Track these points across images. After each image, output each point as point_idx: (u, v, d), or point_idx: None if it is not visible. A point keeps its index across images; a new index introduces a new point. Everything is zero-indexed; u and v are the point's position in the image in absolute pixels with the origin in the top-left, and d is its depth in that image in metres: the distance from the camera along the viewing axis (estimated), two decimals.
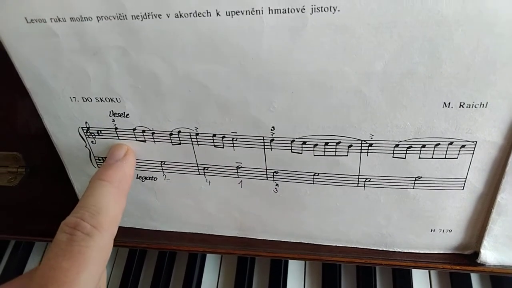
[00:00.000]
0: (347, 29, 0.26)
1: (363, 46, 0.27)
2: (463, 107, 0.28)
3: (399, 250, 0.37)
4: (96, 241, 0.27)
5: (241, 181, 0.36)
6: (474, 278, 0.44)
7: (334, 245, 0.38)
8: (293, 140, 0.32)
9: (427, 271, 0.44)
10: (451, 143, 0.30)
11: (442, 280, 0.44)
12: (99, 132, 0.35)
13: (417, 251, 0.37)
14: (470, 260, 0.36)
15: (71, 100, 0.33)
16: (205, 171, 0.36)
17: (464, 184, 0.32)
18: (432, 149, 0.30)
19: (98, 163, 0.37)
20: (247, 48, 0.28)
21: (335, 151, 0.32)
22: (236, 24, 0.27)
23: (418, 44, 0.26)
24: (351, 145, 0.31)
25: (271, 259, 0.48)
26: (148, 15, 0.28)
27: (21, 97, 0.34)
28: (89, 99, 0.33)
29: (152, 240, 0.41)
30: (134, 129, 0.34)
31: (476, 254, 0.35)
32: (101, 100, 0.33)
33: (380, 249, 0.38)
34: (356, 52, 0.27)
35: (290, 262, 0.48)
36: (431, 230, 0.35)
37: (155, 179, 0.38)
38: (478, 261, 0.35)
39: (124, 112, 0.33)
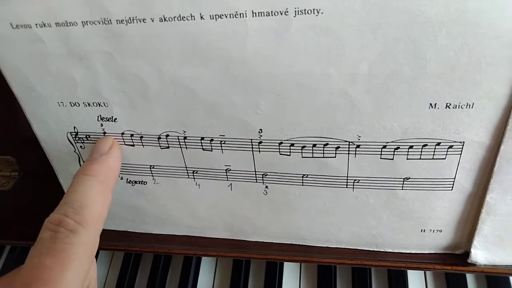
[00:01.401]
0: (330, 31, 0.26)
1: (347, 48, 0.27)
2: (449, 107, 0.28)
3: (390, 251, 0.37)
4: (81, 237, 0.27)
5: (231, 184, 0.36)
6: (470, 279, 0.43)
7: (325, 246, 0.38)
8: (281, 142, 0.32)
9: (422, 272, 0.44)
10: (438, 143, 0.30)
11: (437, 280, 0.44)
12: (87, 137, 0.35)
13: (408, 251, 0.37)
14: (461, 260, 0.36)
15: (59, 105, 0.33)
16: (194, 174, 0.36)
17: (453, 184, 0.32)
18: (420, 150, 0.30)
19: None
20: (232, 51, 0.28)
21: (323, 153, 0.32)
22: (220, 28, 0.27)
23: (402, 45, 0.26)
24: (338, 147, 0.31)
25: (267, 261, 0.47)
26: (133, 20, 0.28)
27: (14, 101, 0.34)
28: (76, 103, 0.33)
29: (145, 243, 0.41)
30: (123, 133, 0.34)
31: (467, 254, 0.35)
32: (89, 104, 0.33)
33: (371, 249, 0.38)
34: (341, 54, 0.27)
35: (286, 264, 0.48)
36: (421, 230, 0.35)
37: (145, 183, 0.38)
38: (469, 261, 0.35)
39: (112, 117, 0.33)
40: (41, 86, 0.32)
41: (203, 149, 0.34)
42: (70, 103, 0.33)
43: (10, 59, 0.31)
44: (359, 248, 0.38)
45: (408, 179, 0.32)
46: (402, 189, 0.33)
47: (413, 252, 0.37)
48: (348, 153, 0.32)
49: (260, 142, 0.32)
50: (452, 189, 0.32)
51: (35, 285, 0.24)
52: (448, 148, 0.30)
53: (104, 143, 0.34)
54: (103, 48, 0.29)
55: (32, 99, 0.33)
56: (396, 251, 0.37)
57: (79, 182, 0.30)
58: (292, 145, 0.32)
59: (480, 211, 0.32)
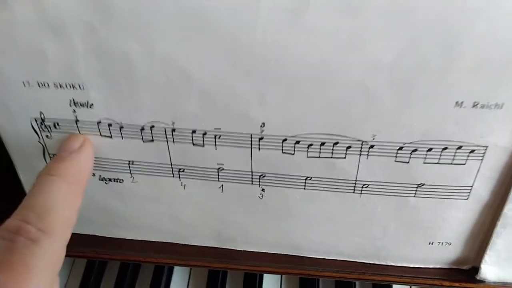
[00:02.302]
0: (354, 13, 0.23)
1: (371, 34, 0.23)
2: (476, 107, 0.25)
3: (392, 264, 0.34)
4: (44, 247, 0.23)
5: (222, 185, 0.32)
6: None
7: (322, 257, 0.35)
8: (285, 139, 0.28)
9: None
10: (459, 147, 0.27)
11: None
12: (55, 124, 0.30)
13: (412, 265, 0.34)
14: (469, 275, 0.33)
15: (24, 85, 0.28)
16: (180, 173, 0.31)
17: (470, 193, 0.29)
18: (439, 153, 0.27)
19: None
20: (239, 31, 0.24)
21: (332, 153, 0.28)
22: (228, 3, 0.23)
23: (433, 34, 0.23)
24: (350, 146, 0.28)
25: (245, 273, 0.44)
26: None
27: None
28: (45, 84, 0.28)
29: (115, 250, 0.36)
30: (99, 122, 0.29)
31: (475, 269, 0.33)
32: (61, 86, 0.28)
33: (372, 262, 0.34)
34: (363, 42, 0.24)
35: (266, 275, 0.44)
36: (430, 242, 0.32)
37: (121, 181, 0.33)
38: (478, 277, 0.32)
39: (88, 102, 0.29)
40: (3, 61, 0.27)
41: (194, 144, 0.30)
42: (37, 83, 0.28)
43: None
44: (358, 260, 0.34)
45: (422, 185, 0.29)
46: (414, 196, 0.30)
47: (417, 266, 0.34)
48: (360, 154, 0.28)
49: (261, 138, 0.28)
50: (468, 198, 0.29)
51: None
52: (469, 153, 0.27)
53: (74, 140, 0.29)
54: (84, 18, 0.25)
55: None
56: (398, 265, 0.34)
57: (43, 183, 0.26)
58: (298, 142, 0.28)
59: (495, 224, 0.30)
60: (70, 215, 0.25)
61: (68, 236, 0.25)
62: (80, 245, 0.35)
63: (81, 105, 0.29)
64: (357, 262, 0.34)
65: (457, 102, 0.25)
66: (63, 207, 0.25)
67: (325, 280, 0.43)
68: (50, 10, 0.25)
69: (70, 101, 0.29)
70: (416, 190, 0.29)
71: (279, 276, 0.44)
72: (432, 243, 0.32)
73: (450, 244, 0.32)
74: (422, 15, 0.23)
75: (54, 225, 0.24)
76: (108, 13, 0.24)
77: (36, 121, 0.30)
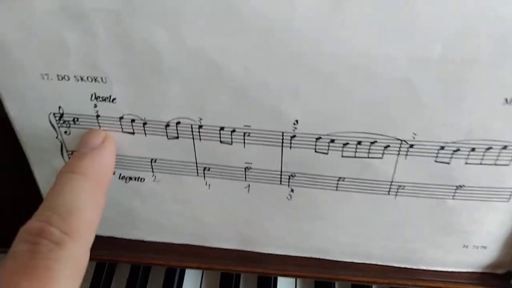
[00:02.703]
0: (400, 1, 0.21)
1: (420, 24, 0.22)
2: None
3: (424, 268, 0.33)
4: (69, 251, 0.21)
5: (249, 185, 0.30)
6: None
7: (350, 261, 0.33)
8: (319, 137, 0.27)
9: None
10: (504, 147, 0.26)
11: None
12: (75, 120, 0.28)
13: (444, 269, 0.33)
14: (503, 280, 0.32)
15: (42, 78, 0.26)
16: (205, 172, 0.30)
17: (511, 195, 0.28)
18: (482, 153, 0.26)
19: None
20: (275, 20, 0.23)
21: (368, 152, 0.27)
22: None
23: (486, 24, 0.22)
24: (388, 146, 0.26)
25: (258, 276, 0.42)
26: None
27: None
28: (66, 77, 0.26)
29: (135, 253, 0.34)
30: (121, 118, 0.28)
31: (510, 274, 0.32)
32: (82, 79, 0.26)
33: (402, 266, 0.33)
34: (411, 32, 0.22)
35: (279, 279, 0.43)
36: (464, 246, 0.31)
37: (142, 180, 0.31)
38: None
39: (110, 96, 0.27)
40: (20, 52, 0.25)
41: (221, 142, 0.28)
42: (57, 76, 0.26)
43: None
44: (388, 264, 0.33)
45: (461, 187, 0.28)
46: (452, 198, 0.28)
47: (449, 270, 0.33)
48: (398, 154, 0.27)
49: (294, 136, 0.27)
50: (509, 201, 0.28)
51: None
52: None
53: (95, 135, 0.28)
54: (109, 5, 0.23)
55: (7, 68, 0.26)
56: (430, 269, 0.33)
57: (65, 181, 0.24)
58: (332, 141, 0.27)
59: None
60: (94, 216, 0.24)
61: (92, 239, 0.24)
62: (98, 248, 0.34)
63: (103, 99, 0.27)
64: (387, 266, 0.33)
65: (506, 99, 0.24)
66: (87, 208, 0.24)
67: (342, 284, 0.41)
68: None
69: (92, 95, 0.27)
70: (455, 192, 0.28)
71: (293, 279, 0.43)
72: (467, 247, 0.31)
73: (485, 248, 0.31)
74: (472, 4, 0.21)
75: (78, 227, 0.22)
76: (134, 0, 0.23)
77: (54, 116, 0.28)
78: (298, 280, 0.42)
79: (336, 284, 0.40)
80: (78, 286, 0.22)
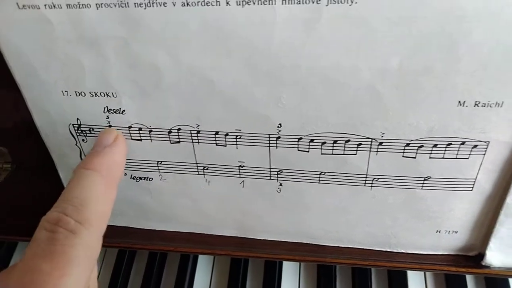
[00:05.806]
0: (363, 22, 0.25)
1: (379, 41, 0.26)
2: (478, 106, 0.27)
3: (403, 251, 0.36)
4: (82, 238, 0.24)
5: (243, 181, 0.34)
6: (469, 279, 0.43)
7: (336, 245, 0.37)
8: (300, 138, 0.31)
9: (422, 272, 0.44)
10: (463, 143, 0.29)
11: (437, 281, 0.44)
12: (91, 130, 0.33)
13: (421, 252, 0.36)
14: (475, 262, 0.35)
15: (63, 94, 0.31)
16: (204, 171, 0.34)
17: (474, 185, 0.31)
18: (444, 149, 0.30)
19: None
20: (257, 41, 0.27)
21: (344, 150, 0.31)
22: (246, 15, 0.26)
23: (436, 40, 0.25)
24: (360, 144, 0.30)
25: (265, 260, 0.46)
26: (152, 3, 0.26)
27: (9, 89, 0.31)
28: (82, 93, 0.31)
29: (147, 241, 0.39)
30: (130, 127, 0.32)
31: (481, 255, 0.35)
32: (96, 95, 0.31)
33: (383, 250, 0.37)
34: (372, 48, 0.26)
35: (285, 263, 0.47)
36: (437, 231, 0.35)
37: (151, 179, 0.36)
38: (483, 263, 0.35)
39: (120, 108, 0.31)
40: (45, 73, 0.30)
41: (217, 144, 0.32)
42: (75, 92, 0.31)
43: (14, 41, 0.28)
44: (371, 248, 0.37)
45: (428, 178, 0.31)
46: (421, 188, 0.32)
47: (426, 253, 0.36)
48: (370, 150, 0.31)
49: (278, 138, 0.31)
50: (472, 190, 0.32)
51: None
52: (472, 148, 0.29)
53: (108, 135, 0.31)
54: (117, 33, 0.27)
55: (34, 87, 0.31)
56: (409, 252, 0.36)
57: (80, 176, 0.27)
58: (312, 141, 0.31)
59: (499, 213, 0.32)
60: (106, 207, 0.27)
61: (104, 227, 0.26)
62: (114, 236, 0.39)
63: (114, 111, 0.32)
64: (370, 249, 0.37)
65: (459, 102, 0.27)
66: (99, 200, 0.26)
67: (342, 268, 0.45)
68: (85, 26, 0.27)
69: (104, 108, 0.31)
70: (423, 183, 0.32)
71: (298, 263, 0.46)
72: (440, 232, 0.35)
73: (456, 232, 0.34)
74: (425, 24, 0.25)
75: (91, 217, 0.25)
76: (138, 28, 0.27)
77: (73, 126, 0.33)
78: (302, 264, 0.46)
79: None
80: (92, 268, 0.25)
